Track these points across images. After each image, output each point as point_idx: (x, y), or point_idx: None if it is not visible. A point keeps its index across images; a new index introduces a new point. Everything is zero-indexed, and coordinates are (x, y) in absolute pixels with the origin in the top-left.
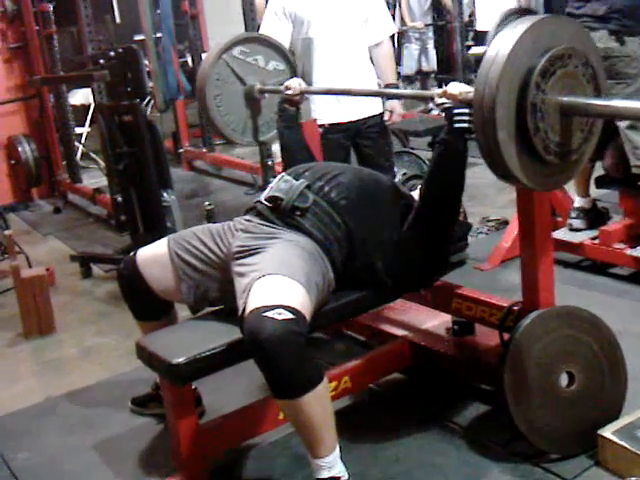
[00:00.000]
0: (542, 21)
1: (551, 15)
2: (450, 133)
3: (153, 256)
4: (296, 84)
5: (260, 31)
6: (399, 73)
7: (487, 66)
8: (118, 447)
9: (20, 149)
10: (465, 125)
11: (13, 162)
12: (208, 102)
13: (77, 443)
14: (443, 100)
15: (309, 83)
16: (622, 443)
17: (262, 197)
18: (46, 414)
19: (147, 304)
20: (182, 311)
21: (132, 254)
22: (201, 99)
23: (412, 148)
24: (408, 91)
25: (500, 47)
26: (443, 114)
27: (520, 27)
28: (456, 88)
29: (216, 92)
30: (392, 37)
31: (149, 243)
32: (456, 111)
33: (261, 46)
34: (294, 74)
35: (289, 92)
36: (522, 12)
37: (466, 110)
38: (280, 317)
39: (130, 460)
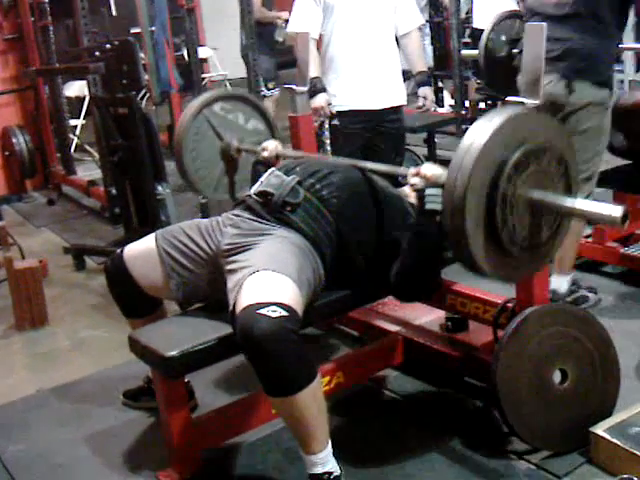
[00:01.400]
0: (520, 114)
1: (528, 108)
2: (421, 214)
3: (141, 253)
4: (272, 146)
5: (292, 19)
6: (429, 68)
7: (462, 154)
8: (110, 440)
9: (14, 140)
10: (436, 207)
11: (7, 153)
12: (184, 155)
13: (69, 436)
14: (416, 180)
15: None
16: (614, 441)
17: (252, 191)
18: (38, 406)
19: (135, 301)
20: (171, 306)
21: (119, 251)
22: (177, 151)
23: (407, 144)
24: (382, 166)
25: (476, 137)
26: (414, 195)
27: (497, 119)
28: (429, 170)
29: (193, 146)
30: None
31: (143, 236)
32: (428, 192)
33: (242, 104)
34: (272, 136)
35: (265, 154)
36: (515, 16)
37: (438, 192)
38: (274, 314)
39: (122, 453)
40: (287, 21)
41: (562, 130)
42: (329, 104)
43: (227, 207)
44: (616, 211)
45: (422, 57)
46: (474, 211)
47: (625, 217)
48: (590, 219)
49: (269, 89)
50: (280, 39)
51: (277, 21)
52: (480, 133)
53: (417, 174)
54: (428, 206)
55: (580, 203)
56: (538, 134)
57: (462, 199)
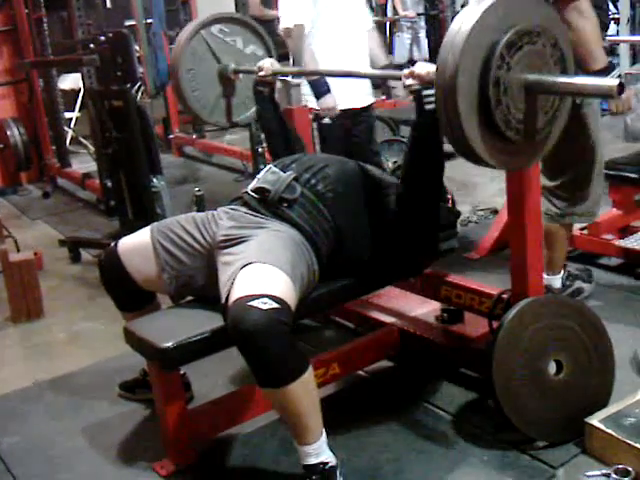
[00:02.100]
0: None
1: None
2: (421, 115)
3: (135, 246)
4: (268, 64)
5: (286, 13)
6: (391, 62)
7: (451, 36)
8: (106, 432)
9: (9, 133)
10: (434, 106)
11: (2, 146)
12: (180, 75)
13: (65, 427)
14: (411, 81)
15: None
16: (609, 431)
17: (249, 188)
18: (34, 398)
19: (129, 294)
20: (165, 299)
21: (113, 244)
22: (174, 70)
23: (402, 136)
24: (376, 71)
25: (466, 18)
26: (412, 97)
27: (482, 4)
28: (423, 68)
29: (190, 66)
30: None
31: (138, 228)
32: (425, 92)
33: (242, 28)
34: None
35: (261, 73)
36: None
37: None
38: (265, 306)
39: (118, 444)
40: None
41: (555, 14)
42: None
43: (223, 201)
44: (612, 82)
45: (383, 51)
46: (467, 93)
47: (621, 87)
48: (587, 93)
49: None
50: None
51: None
52: (469, 14)
53: (411, 74)
54: (427, 106)
55: (576, 79)
56: (530, 16)
57: (453, 81)
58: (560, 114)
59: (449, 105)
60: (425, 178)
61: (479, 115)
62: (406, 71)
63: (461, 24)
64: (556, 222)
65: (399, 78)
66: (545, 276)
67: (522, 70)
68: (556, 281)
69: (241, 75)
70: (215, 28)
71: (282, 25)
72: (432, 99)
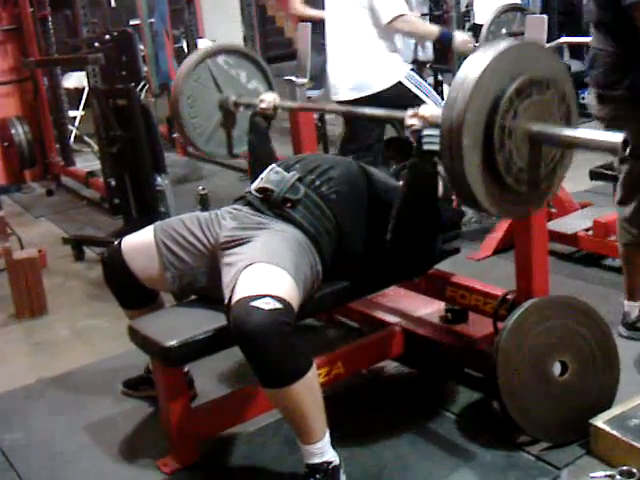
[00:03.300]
0: (517, 45)
1: (520, 42)
2: (419, 156)
3: (138, 244)
4: (270, 98)
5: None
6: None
7: (456, 88)
8: (109, 429)
9: (13, 131)
10: (434, 147)
11: (6, 144)
12: (181, 99)
13: (68, 424)
14: (414, 121)
15: None
16: (614, 432)
17: (252, 188)
18: (37, 395)
19: (132, 292)
20: (168, 297)
21: (117, 243)
22: (175, 94)
23: (407, 137)
24: (378, 111)
25: (470, 70)
26: (413, 137)
27: (492, 50)
28: (427, 110)
29: (191, 92)
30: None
31: (142, 227)
32: (425, 133)
33: (247, 62)
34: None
35: (263, 105)
36: (516, 9)
37: (436, 132)
38: (267, 307)
39: (121, 442)
40: None
41: (561, 63)
42: None
43: (227, 200)
44: (617, 137)
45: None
46: (472, 150)
47: (626, 143)
48: (591, 148)
49: (308, 88)
50: None
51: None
52: (475, 65)
53: (415, 115)
54: (426, 147)
55: (580, 132)
56: (536, 66)
57: (458, 139)
58: (562, 166)
59: (455, 159)
60: (419, 218)
61: (483, 167)
62: (410, 112)
63: (473, 65)
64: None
65: (402, 118)
66: (625, 302)
67: (528, 119)
68: (635, 309)
69: (241, 108)
70: (221, 58)
71: (395, 11)
72: (433, 140)
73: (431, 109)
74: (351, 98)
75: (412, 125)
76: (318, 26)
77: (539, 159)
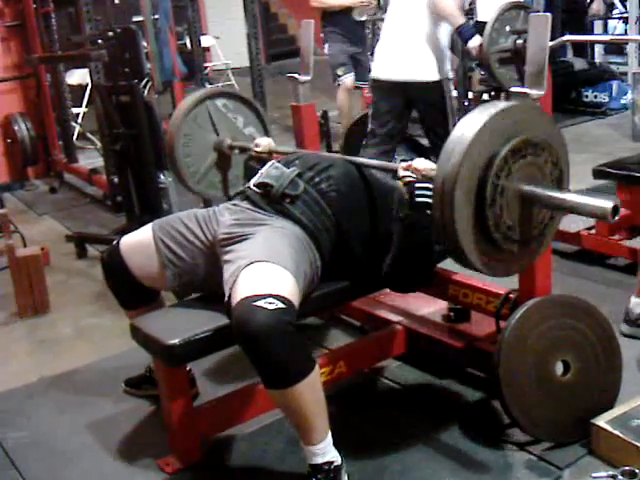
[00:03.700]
0: (511, 107)
1: (516, 103)
2: (412, 208)
3: (137, 243)
4: (265, 142)
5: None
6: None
7: (451, 147)
8: (111, 428)
9: (16, 128)
10: (427, 200)
11: (9, 141)
12: (177, 137)
13: (70, 423)
14: (407, 174)
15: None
16: (616, 432)
17: (251, 183)
18: (39, 394)
19: (132, 292)
20: (169, 296)
21: (115, 242)
22: (171, 131)
23: (411, 135)
24: (373, 161)
25: (465, 129)
26: (405, 189)
27: (487, 112)
28: (421, 164)
29: (188, 131)
30: None
31: (145, 224)
32: (418, 185)
33: (246, 108)
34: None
35: (258, 149)
36: (519, 7)
37: (429, 185)
38: (271, 307)
39: (123, 441)
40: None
41: (554, 125)
42: None
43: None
44: (606, 204)
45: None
46: (463, 205)
47: (615, 210)
48: (581, 213)
49: (338, 75)
50: (360, 18)
51: (354, 4)
52: (470, 125)
53: (408, 167)
54: (418, 199)
55: (571, 196)
56: (533, 128)
57: (451, 193)
58: (554, 221)
59: (446, 218)
60: (414, 263)
61: (475, 227)
62: (404, 164)
63: (472, 121)
64: None
65: (395, 171)
66: (632, 298)
67: (521, 179)
68: (639, 306)
69: (236, 151)
70: (220, 101)
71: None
72: (425, 192)
73: (424, 163)
74: (401, 79)
75: (405, 177)
76: (341, 17)
77: (529, 219)
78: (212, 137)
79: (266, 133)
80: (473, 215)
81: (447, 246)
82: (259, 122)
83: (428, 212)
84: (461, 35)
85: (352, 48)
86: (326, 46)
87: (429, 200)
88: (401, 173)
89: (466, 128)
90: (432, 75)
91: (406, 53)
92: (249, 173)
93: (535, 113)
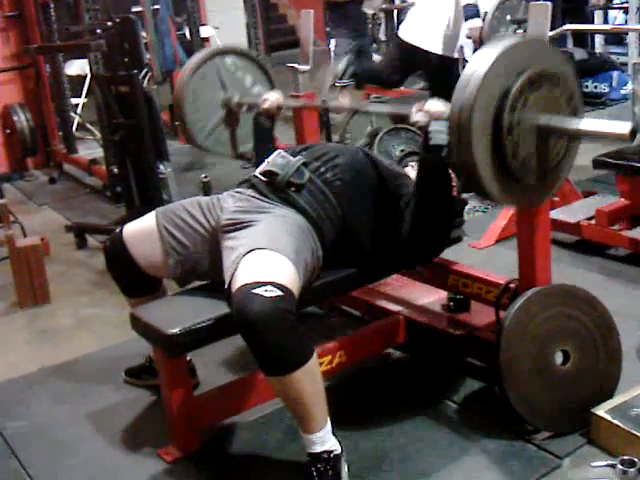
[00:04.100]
0: (522, 42)
1: (530, 37)
2: (427, 151)
3: (140, 231)
4: (274, 97)
5: None
6: None
7: (465, 82)
8: (111, 418)
9: (15, 118)
10: (442, 142)
11: (8, 132)
12: (185, 92)
13: (70, 413)
14: (420, 117)
15: None
16: (616, 422)
17: (257, 171)
18: (39, 384)
19: (135, 280)
20: (171, 285)
21: (118, 230)
22: (180, 86)
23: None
24: (385, 107)
25: (477, 65)
26: (420, 132)
27: (497, 47)
28: (434, 105)
29: (196, 87)
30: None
31: (144, 215)
32: (432, 128)
33: (254, 67)
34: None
35: (266, 104)
36: None
37: (442, 126)
38: (268, 294)
39: (123, 430)
40: None
41: (568, 62)
42: None
43: (230, 188)
44: (624, 126)
45: None
46: (481, 134)
47: (634, 132)
48: (599, 137)
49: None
50: (370, 11)
51: None
52: (485, 57)
53: (420, 110)
54: (433, 142)
55: (587, 123)
56: (549, 61)
57: (468, 122)
58: (567, 162)
59: (463, 153)
60: (434, 209)
61: (493, 160)
62: (417, 106)
63: (488, 52)
64: None
65: (408, 115)
66: None
67: (537, 111)
68: None
69: (244, 108)
70: (229, 59)
71: None
72: (440, 134)
73: (437, 104)
74: (422, 46)
75: (418, 121)
76: (351, 7)
77: (545, 151)
78: (220, 94)
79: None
80: (490, 146)
81: (465, 179)
82: (267, 81)
83: (444, 154)
84: (465, 13)
85: (358, 40)
86: (332, 42)
87: (443, 142)
88: (414, 117)
89: (481, 59)
90: (435, 47)
91: (421, 23)
92: (258, 130)
93: (550, 49)
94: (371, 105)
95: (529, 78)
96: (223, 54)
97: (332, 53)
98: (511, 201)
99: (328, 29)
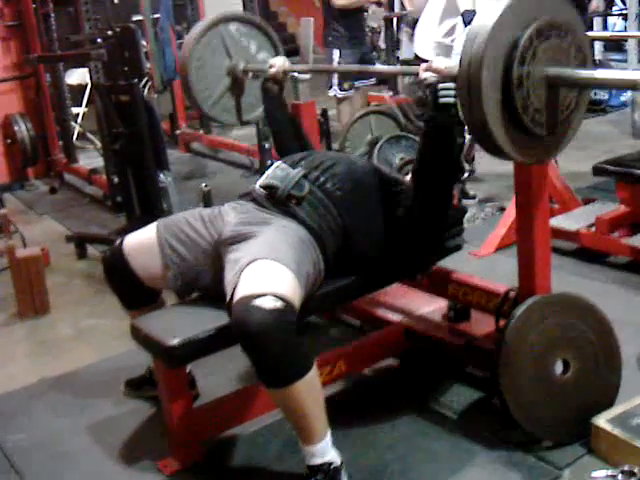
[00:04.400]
0: None
1: None
2: (435, 109)
3: (140, 243)
4: (280, 62)
5: None
6: (398, 57)
7: (473, 35)
8: (111, 429)
9: (16, 128)
10: (450, 100)
11: (9, 141)
12: (191, 61)
13: (70, 425)
14: (428, 74)
15: None
16: (616, 432)
17: (257, 184)
18: (39, 395)
19: (134, 292)
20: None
21: (118, 242)
22: (185, 55)
23: (410, 132)
24: (392, 67)
25: (484, 18)
26: (427, 90)
27: None
28: (442, 62)
29: (201, 55)
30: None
31: (145, 224)
32: (441, 86)
33: (259, 33)
34: None
35: (272, 70)
36: None
37: (451, 85)
38: (269, 306)
39: (123, 442)
40: (379, 4)
41: (576, 14)
42: None
43: (230, 197)
44: (636, 75)
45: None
46: (490, 87)
47: None
48: (611, 86)
49: (343, 89)
50: (374, 24)
51: (367, 5)
52: (489, 13)
53: (429, 68)
54: (442, 100)
55: (598, 72)
56: (557, 12)
57: (478, 75)
58: (582, 102)
59: (474, 109)
60: (437, 172)
61: (504, 115)
62: (424, 65)
63: (481, 24)
64: None
65: (417, 73)
66: None
67: (546, 61)
68: None
69: (250, 75)
70: (233, 26)
71: None
72: (448, 92)
73: (445, 61)
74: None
75: (426, 79)
76: (356, 17)
77: (555, 103)
78: (225, 61)
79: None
80: (500, 99)
81: (476, 133)
82: (272, 47)
83: (452, 113)
84: (464, 18)
85: (361, 48)
86: (335, 52)
87: (451, 100)
88: (422, 75)
89: (489, 12)
90: (427, 55)
91: (420, 34)
92: (267, 96)
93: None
94: (378, 67)
95: (537, 29)
96: (227, 21)
97: (335, 63)
98: (523, 156)
99: (330, 38)
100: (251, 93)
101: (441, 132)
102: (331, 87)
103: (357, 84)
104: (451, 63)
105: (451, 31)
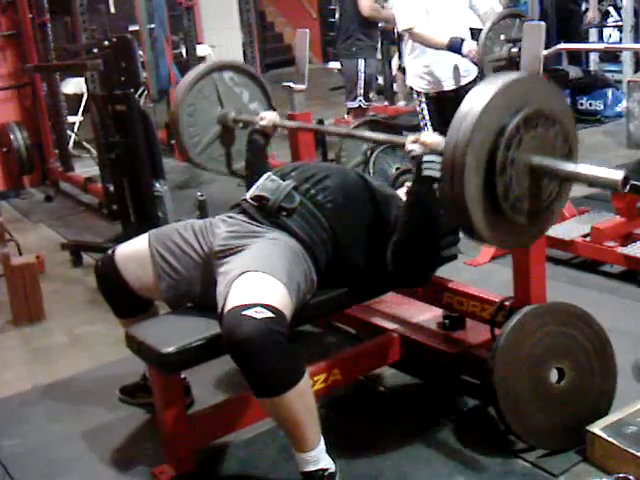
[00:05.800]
0: (518, 80)
1: (528, 74)
2: (418, 182)
3: (132, 253)
4: (271, 116)
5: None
6: (400, 65)
7: (460, 118)
8: (106, 436)
9: (12, 137)
10: (434, 173)
11: (5, 150)
12: (182, 106)
13: (65, 431)
14: (414, 147)
15: None
16: (611, 439)
17: (248, 195)
18: (34, 402)
19: (126, 301)
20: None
21: (110, 252)
22: (177, 100)
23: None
24: (380, 135)
25: (475, 102)
26: (413, 162)
27: (496, 83)
28: (429, 137)
29: (193, 101)
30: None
31: (140, 233)
32: (425, 159)
33: (252, 83)
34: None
35: (263, 123)
36: (514, 16)
37: (437, 159)
38: (259, 316)
39: (118, 449)
40: None
41: (564, 101)
42: None
43: (226, 206)
44: (617, 174)
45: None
46: (473, 173)
47: (626, 180)
48: (591, 183)
49: (369, 99)
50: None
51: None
52: (482, 94)
53: (416, 141)
54: (426, 172)
55: (581, 167)
56: (546, 101)
57: (462, 160)
58: (563, 193)
59: (456, 190)
60: (420, 242)
61: (482, 182)
62: (411, 137)
63: (484, 89)
64: None
65: (403, 144)
66: None
67: (531, 150)
68: None
69: (240, 124)
70: (227, 74)
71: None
72: (433, 166)
73: (432, 136)
74: (463, 83)
75: (412, 151)
76: (377, 30)
77: (537, 191)
78: (217, 110)
79: (271, 109)
80: (482, 184)
81: (455, 217)
82: (264, 98)
83: (435, 186)
84: (452, 49)
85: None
86: (361, 62)
87: (436, 174)
88: (409, 147)
89: (478, 96)
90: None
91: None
92: (252, 146)
93: (547, 86)
94: (366, 132)
95: (526, 116)
96: (221, 69)
97: (362, 74)
98: (501, 241)
99: (354, 49)
100: (240, 142)
101: (423, 204)
102: (356, 98)
103: None
104: (438, 138)
105: None
